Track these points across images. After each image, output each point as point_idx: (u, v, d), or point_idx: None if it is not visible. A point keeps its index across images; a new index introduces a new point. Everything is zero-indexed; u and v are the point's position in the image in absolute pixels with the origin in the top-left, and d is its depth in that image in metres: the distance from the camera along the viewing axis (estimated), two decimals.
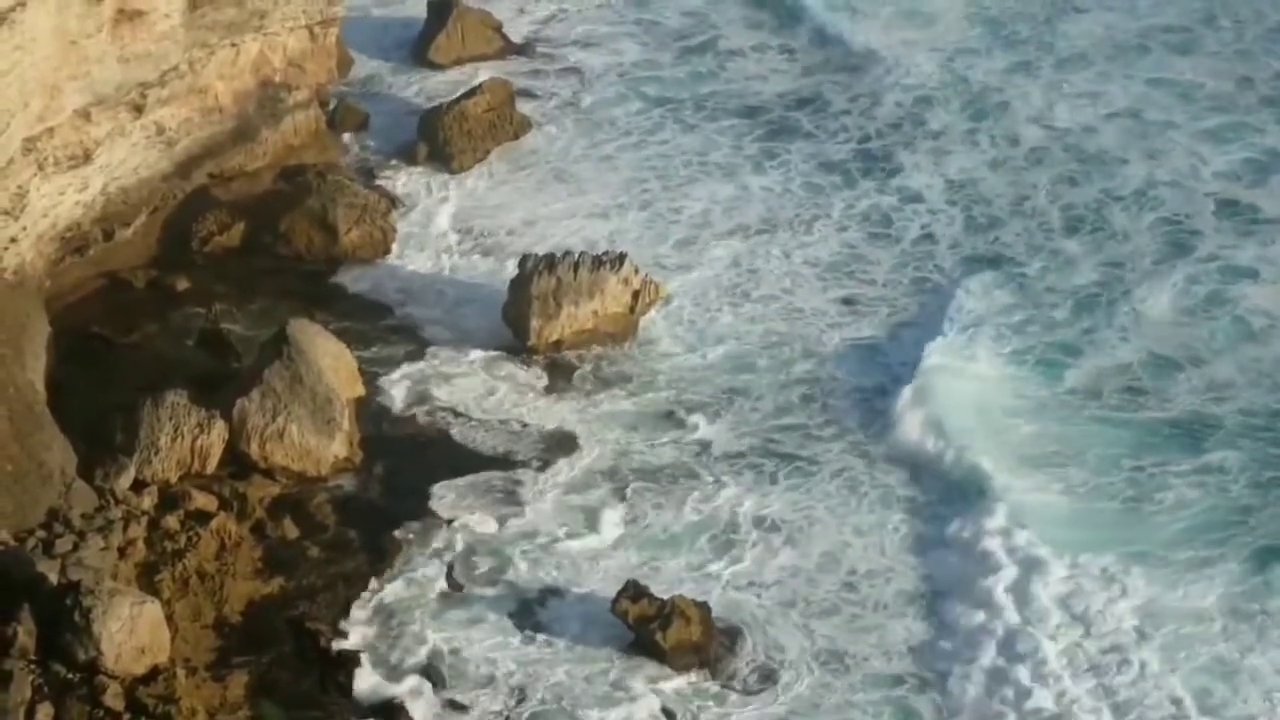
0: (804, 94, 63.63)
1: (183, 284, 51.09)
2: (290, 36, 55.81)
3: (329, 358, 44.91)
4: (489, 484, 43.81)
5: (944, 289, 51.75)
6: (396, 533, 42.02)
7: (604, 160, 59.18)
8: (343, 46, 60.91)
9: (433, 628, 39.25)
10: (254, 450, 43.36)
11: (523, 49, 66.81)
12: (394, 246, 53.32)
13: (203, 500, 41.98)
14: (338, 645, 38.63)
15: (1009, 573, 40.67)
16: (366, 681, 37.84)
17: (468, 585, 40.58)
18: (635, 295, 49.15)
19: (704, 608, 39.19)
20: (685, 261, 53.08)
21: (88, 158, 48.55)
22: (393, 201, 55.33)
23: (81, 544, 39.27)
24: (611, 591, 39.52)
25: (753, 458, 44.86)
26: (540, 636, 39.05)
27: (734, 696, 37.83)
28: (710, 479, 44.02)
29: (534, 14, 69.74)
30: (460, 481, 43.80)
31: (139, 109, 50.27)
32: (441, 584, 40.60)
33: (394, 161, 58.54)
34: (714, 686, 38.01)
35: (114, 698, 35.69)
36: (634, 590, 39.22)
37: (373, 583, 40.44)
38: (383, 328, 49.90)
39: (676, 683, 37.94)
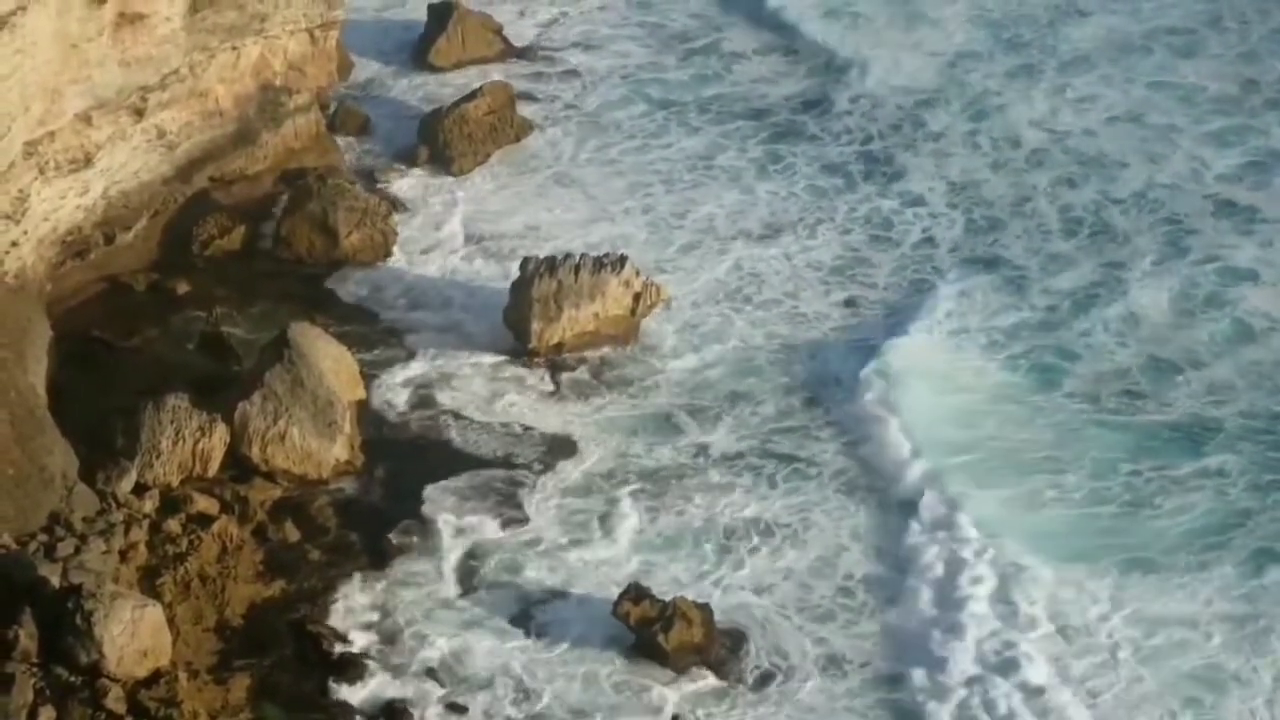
0: (808, 97, 63.61)
1: (183, 287, 51.11)
2: (291, 40, 55.86)
3: (330, 361, 44.93)
4: (490, 487, 43.83)
5: (941, 291, 51.71)
6: (397, 536, 42.04)
7: (605, 162, 59.20)
8: (343, 50, 60.97)
9: (434, 630, 39.25)
10: (255, 453, 43.38)
11: (523, 52, 66.85)
12: (395, 250, 53.34)
13: (204, 503, 42.00)
14: (339, 648, 38.63)
15: (990, 581, 40.52)
16: (368, 684, 37.82)
17: (469, 588, 40.60)
18: (636, 298, 49.17)
19: (705, 609, 39.21)
20: (688, 265, 53.04)
21: (88, 161, 48.59)
22: (393, 205, 55.32)
23: (83, 547, 39.26)
24: (613, 594, 39.55)
25: (753, 459, 44.89)
26: (542, 639, 39.08)
27: (736, 699, 37.82)
28: (711, 482, 44.03)
29: (535, 17, 69.80)
30: (461, 484, 43.82)
31: (140, 112, 50.30)
32: (443, 586, 40.61)
33: (395, 165, 58.61)
34: (716, 689, 38.01)
35: (116, 701, 35.69)
36: (635, 592, 39.24)
37: (374, 585, 40.44)
38: (384, 331, 49.92)
39: (679, 684, 37.93)
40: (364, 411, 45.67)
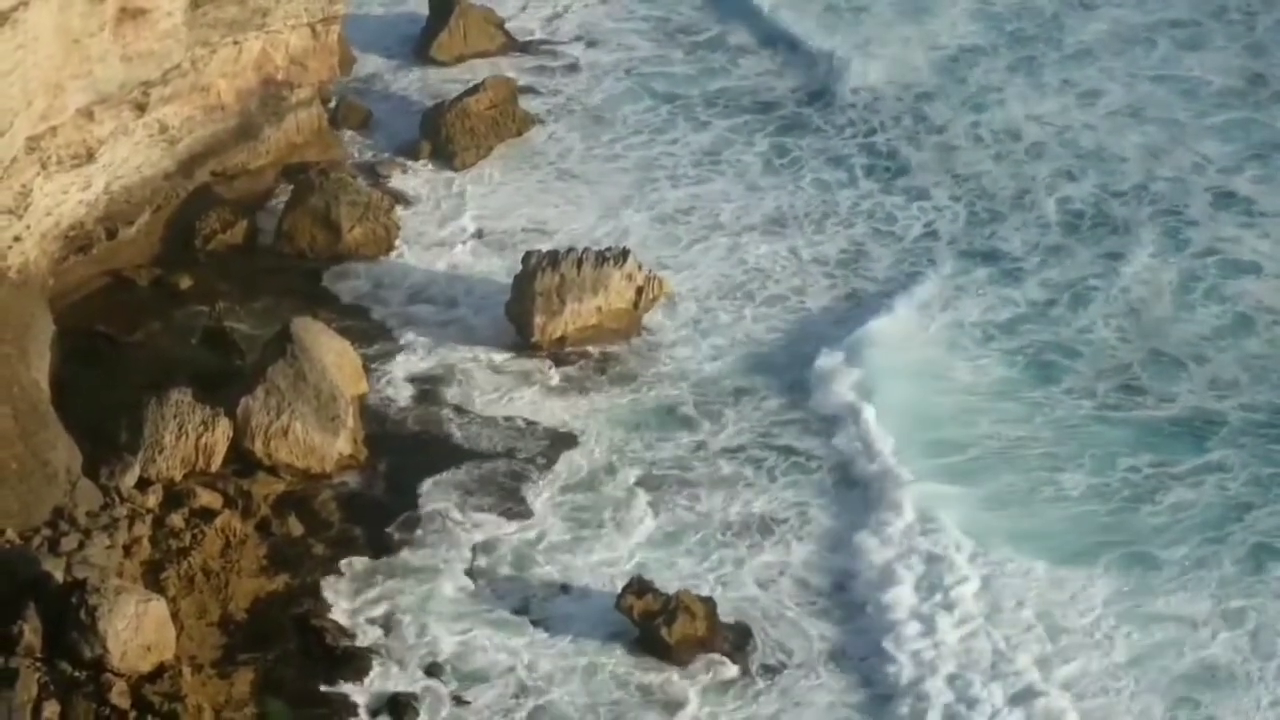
0: (812, 89, 63.40)
1: (186, 282, 51.12)
2: (292, 34, 55.81)
3: (332, 355, 44.94)
4: (493, 481, 43.86)
5: (939, 283, 51.68)
6: (400, 530, 42.09)
7: (608, 157, 59.13)
8: (345, 44, 60.91)
9: (437, 624, 39.30)
10: (258, 448, 43.41)
11: (526, 46, 66.77)
12: (397, 244, 53.36)
13: (207, 498, 42.05)
14: (343, 643, 38.66)
15: (976, 580, 40.49)
16: (372, 678, 37.88)
17: (472, 582, 40.64)
18: (639, 291, 49.19)
19: (709, 603, 39.27)
20: (692, 259, 53.01)
21: (91, 156, 48.57)
22: (395, 199, 55.31)
23: (87, 542, 39.34)
24: (616, 587, 39.59)
25: (754, 453, 44.94)
26: (545, 632, 39.12)
27: (740, 691, 37.88)
28: (713, 476, 44.07)
29: (537, 10, 69.60)
30: (464, 478, 43.86)
31: (142, 107, 50.29)
32: (446, 581, 40.63)
33: (397, 159, 58.55)
34: (721, 682, 38.09)
35: (120, 695, 35.74)
36: (639, 586, 39.28)
37: (377, 579, 40.47)
38: (386, 325, 49.90)
39: (683, 677, 37.99)
40: (367, 406, 45.70)
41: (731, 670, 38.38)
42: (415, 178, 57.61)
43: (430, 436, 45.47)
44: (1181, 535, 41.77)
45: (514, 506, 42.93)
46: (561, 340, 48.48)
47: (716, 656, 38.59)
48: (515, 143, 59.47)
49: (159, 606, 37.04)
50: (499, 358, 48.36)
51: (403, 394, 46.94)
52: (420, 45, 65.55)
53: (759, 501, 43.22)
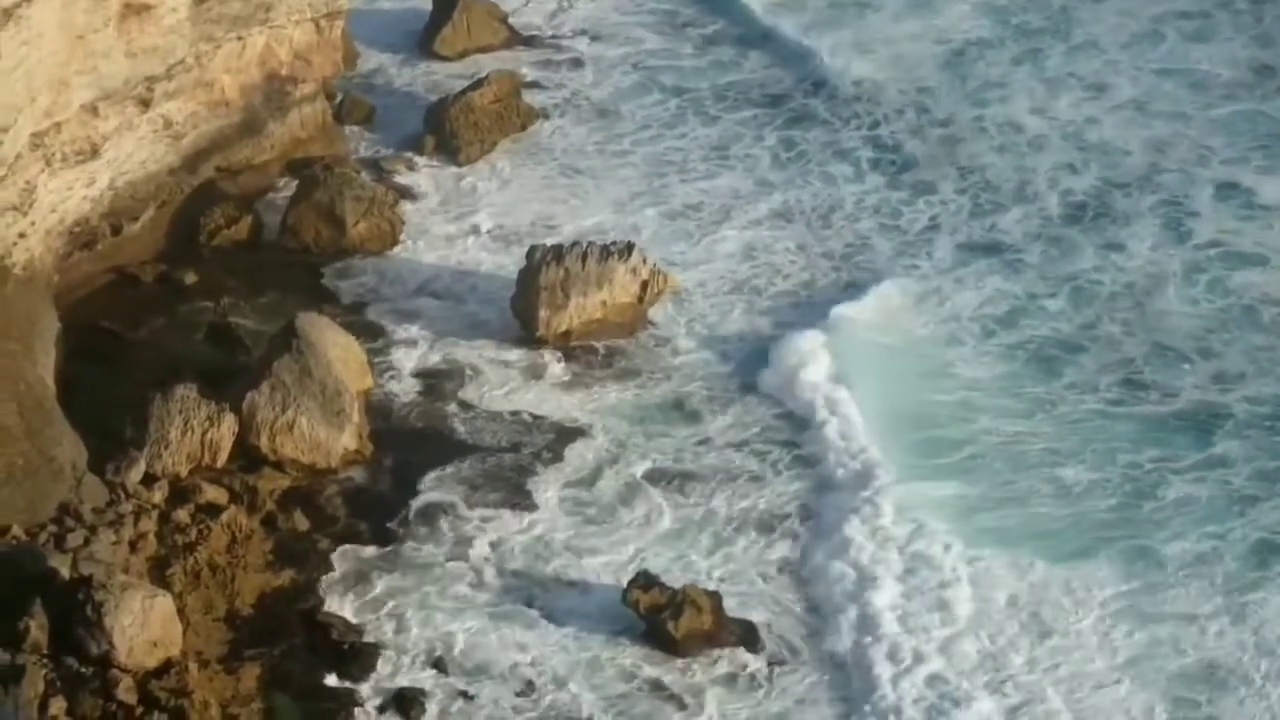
0: (816, 82, 63.20)
1: (191, 278, 51.12)
2: (296, 30, 55.77)
3: (338, 350, 44.96)
4: (498, 475, 43.85)
5: (940, 278, 51.66)
6: (406, 525, 42.10)
7: (613, 152, 59.03)
8: (348, 39, 60.91)
9: (443, 619, 39.31)
10: (264, 443, 43.42)
11: (530, 40, 66.73)
12: (402, 238, 53.34)
13: (213, 493, 42.05)
14: (349, 637, 38.68)
15: (968, 579, 40.27)
16: (377, 673, 37.90)
17: (478, 576, 40.64)
18: (644, 285, 49.15)
19: (715, 597, 39.27)
20: (698, 255, 52.93)
21: (95, 152, 48.58)
22: (400, 194, 55.31)
23: (93, 538, 39.35)
24: (622, 581, 39.60)
25: (758, 446, 44.91)
26: (551, 626, 39.11)
27: (745, 685, 37.91)
28: (719, 470, 44.05)
29: (541, 4, 69.51)
30: (469, 473, 43.86)
31: (146, 103, 50.29)
32: (451, 575, 40.64)
33: (401, 154, 58.51)
34: (726, 675, 38.10)
35: (126, 691, 35.76)
36: (645, 580, 39.29)
37: (383, 574, 40.49)
38: (391, 320, 49.85)
39: (689, 672, 38.02)
40: (372, 401, 45.73)
41: (737, 664, 38.35)
42: (419, 172, 57.58)
43: (435, 431, 45.46)
44: (1184, 530, 41.62)
45: (520, 501, 42.94)
46: (566, 335, 48.47)
47: (723, 650, 38.56)
48: (519, 137, 59.45)
49: (165, 602, 37.07)
50: (504, 352, 48.35)
51: (408, 389, 46.95)
52: (424, 40, 65.52)
53: (764, 496, 43.20)
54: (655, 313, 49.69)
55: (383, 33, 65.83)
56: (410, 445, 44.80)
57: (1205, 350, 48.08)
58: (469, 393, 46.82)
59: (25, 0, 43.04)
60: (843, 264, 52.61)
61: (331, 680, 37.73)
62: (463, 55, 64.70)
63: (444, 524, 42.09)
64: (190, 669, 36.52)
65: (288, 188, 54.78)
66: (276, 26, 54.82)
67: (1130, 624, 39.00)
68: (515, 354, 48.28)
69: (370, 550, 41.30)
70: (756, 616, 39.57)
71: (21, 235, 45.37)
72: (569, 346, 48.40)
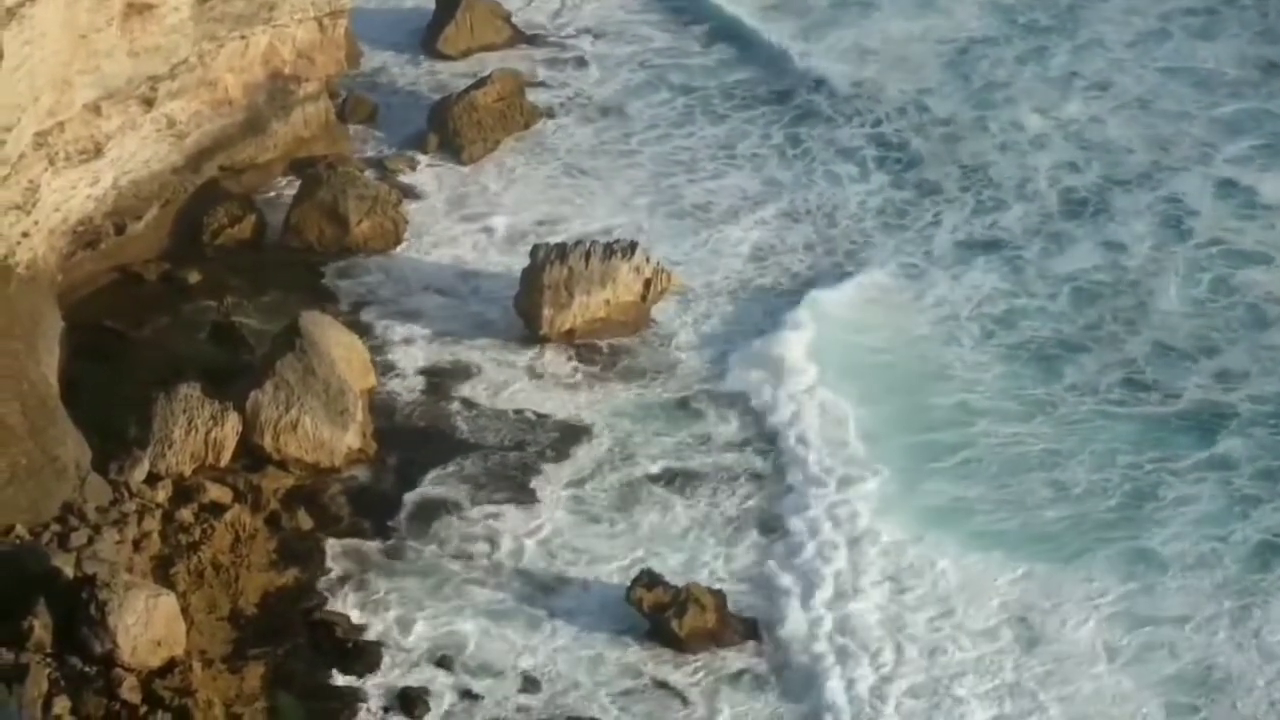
0: (818, 80, 63.00)
1: (194, 277, 51.13)
2: (299, 28, 55.76)
3: (341, 349, 44.96)
4: (502, 474, 43.87)
5: (941, 276, 51.59)
6: (410, 523, 42.09)
7: (617, 151, 58.92)
8: (351, 38, 60.87)
9: (447, 617, 39.33)
10: (267, 442, 43.42)
11: (533, 38, 66.68)
12: (405, 237, 53.32)
13: (217, 492, 42.05)
14: (353, 636, 38.69)
15: (954, 583, 40.18)
16: (382, 672, 37.92)
17: (482, 574, 40.65)
18: (647, 284, 49.15)
19: (719, 595, 39.30)
20: (702, 254, 52.88)
21: (98, 151, 48.59)
22: (403, 193, 55.29)
23: (96, 537, 39.36)
24: (626, 580, 39.58)
25: (761, 445, 44.87)
26: (555, 625, 39.13)
27: (749, 683, 37.92)
28: (721, 469, 44.05)
29: (545, 3, 69.40)
30: (473, 471, 43.88)
31: (149, 102, 50.30)
32: (455, 574, 40.67)
33: (404, 153, 58.49)
34: (730, 674, 38.10)
35: (130, 690, 35.77)
36: (648, 578, 39.29)
37: (387, 573, 40.49)
38: (394, 319, 49.84)
39: (693, 670, 38.01)
40: (375, 400, 45.74)
41: (741, 662, 38.32)
42: (423, 171, 57.54)
43: (439, 430, 45.47)
44: (1184, 531, 41.45)
45: (523, 499, 42.95)
46: (570, 333, 48.46)
47: (727, 649, 38.54)
48: (523, 136, 59.38)
49: (169, 601, 37.07)
50: (507, 351, 48.34)
51: (411, 387, 46.95)
52: (427, 39, 65.46)
53: (765, 495, 43.18)
54: (659, 311, 49.67)
55: (386, 31, 65.76)
56: (414, 444, 44.82)
57: (1209, 349, 47.96)
58: (472, 391, 46.82)
59: (28, 0, 43.06)
60: (847, 261, 52.44)
61: (336, 679, 37.78)
62: (466, 54, 64.63)
63: (448, 523, 42.10)
64: (194, 668, 36.52)
65: (291, 187, 54.76)
66: (280, 25, 54.82)
67: (1127, 627, 38.87)
68: (519, 353, 48.28)
69: (374, 549, 41.32)
70: (759, 615, 39.52)
71: (25, 234, 45.37)
72: (573, 345, 48.38)
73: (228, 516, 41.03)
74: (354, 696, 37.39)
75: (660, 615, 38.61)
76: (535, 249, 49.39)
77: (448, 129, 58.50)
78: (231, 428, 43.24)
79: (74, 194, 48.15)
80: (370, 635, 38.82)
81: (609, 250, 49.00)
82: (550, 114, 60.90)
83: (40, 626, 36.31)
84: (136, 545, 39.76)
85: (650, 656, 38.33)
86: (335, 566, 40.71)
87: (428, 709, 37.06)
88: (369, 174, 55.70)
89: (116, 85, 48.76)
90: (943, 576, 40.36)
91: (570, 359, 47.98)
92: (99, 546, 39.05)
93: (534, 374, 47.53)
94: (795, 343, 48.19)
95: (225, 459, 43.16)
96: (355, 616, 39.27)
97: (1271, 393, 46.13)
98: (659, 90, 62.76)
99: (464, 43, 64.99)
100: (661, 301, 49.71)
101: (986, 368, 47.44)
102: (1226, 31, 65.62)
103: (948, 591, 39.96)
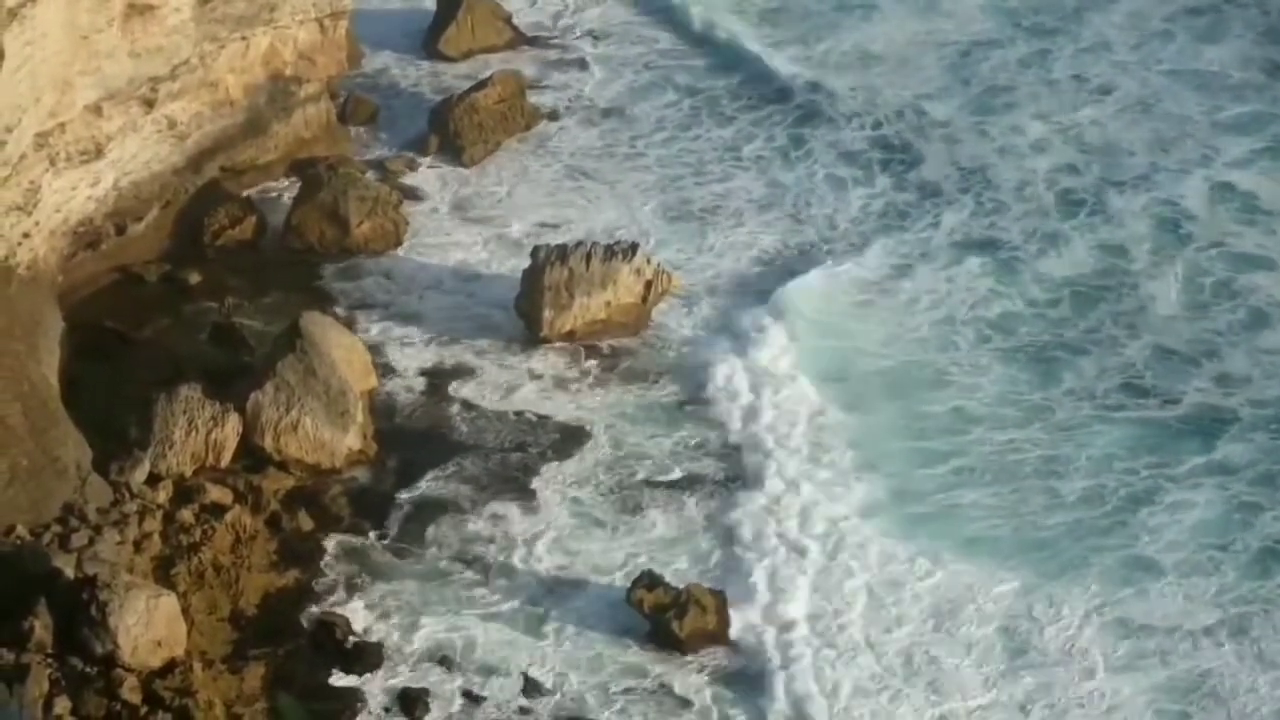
0: (823, 87, 62.78)
1: (195, 278, 51.14)
2: (300, 29, 55.80)
3: (342, 350, 44.96)
4: (502, 475, 43.86)
5: (938, 278, 51.55)
6: (411, 524, 42.07)
7: (614, 149, 59.00)
8: (352, 39, 60.88)
9: (448, 618, 39.33)
10: (268, 443, 43.42)
11: (534, 40, 66.71)
12: (405, 238, 53.32)
13: (217, 493, 42.06)
14: (354, 637, 38.68)
15: (940, 591, 39.99)
16: (382, 673, 37.90)
17: (483, 576, 40.66)
18: (648, 285, 49.15)
19: (719, 596, 39.29)
20: (703, 257, 52.88)
21: (99, 152, 48.61)
22: (404, 194, 55.27)
23: (97, 538, 39.37)
24: (626, 581, 39.59)
25: (751, 450, 44.71)
26: (556, 626, 39.13)
27: (750, 684, 37.89)
28: (722, 470, 44.02)
29: (546, 5, 69.41)
30: (474, 472, 43.87)
31: (150, 103, 50.33)
32: (456, 574, 40.68)
33: (405, 154, 58.50)
34: (731, 674, 38.14)
35: (131, 691, 35.78)
36: (649, 579, 39.29)
37: (388, 574, 40.48)
38: (395, 320, 49.85)
39: (693, 670, 38.03)
40: (376, 401, 45.74)
41: (742, 663, 38.34)
42: (423, 172, 57.55)
43: (439, 431, 45.46)
44: (1182, 539, 41.24)
45: (524, 500, 42.95)
46: (570, 334, 48.46)
47: (727, 650, 38.56)
48: (523, 137, 59.41)
49: (170, 602, 37.07)
50: (508, 352, 48.34)
51: (412, 389, 46.95)
52: (428, 40, 65.48)
53: (766, 495, 43.07)
54: (659, 313, 49.66)
55: (387, 33, 65.73)
56: (414, 445, 44.81)
57: (1209, 353, 47.84)
58: (473, 392, 46.82)
59: (30, 0, 43.04)
60: (844, 261, 52.40)
61: (336, 680, 37.76)
62: (467, 55, 64.66)
63: (448, 524, 42.09)
64: (195, 669, 36.52)
65: (292, 188, 54.78)
66: (280, 26, 54.86)
67: (1115, 637, 38.61)
68: (519, 354, 48.29)
69: (375, 550, 41.33)
70: (755, 617, 39.45)
71: (26, 235, 45.38)
72: (573, 346, 48.38)
73: (228, 517, 41.03)
74: (354, 697, 37.38)
75: (661, 616, 38.61)
76: (536, 250, 49.40)
77: (448, 130, 58.50)
78: (232, 429, 43.25)
79: (75, 195, 48.16)
80: (371, 636, 38.82)
81: (610, 252, 49.01)
82: (551, 116, 60.91)
83: (41, 627, 36.31)
84: (137, 546, 39.77)
85: (651, 658, 38.32)
86: (336, 567, 40.73)
87: (428, 710, 37.06)
88: (370, 175, 55.69)
89: (117, 86, 48.79)
90: (931, 584, 40.19)
91: (571, 360, 47.98)
92: (100, 547, 39.05)
93: (534, 375, 47.53)
94: (788, 347, 48.29)
95: (226, 460, 43.17)
96: (355, 617, 39.25)
97: (1272, 397, 46.01)
98: (662, 92, 62.68)
99: (465, 44, 65.01)
100: (662, 303, 49.68)
101: (983, 370, 47.38)
102: (1230, 32, 65.42)
103: (935, 600, 39.77)
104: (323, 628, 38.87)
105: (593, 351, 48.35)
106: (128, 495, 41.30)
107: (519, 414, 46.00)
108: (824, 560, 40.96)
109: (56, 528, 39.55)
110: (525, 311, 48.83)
